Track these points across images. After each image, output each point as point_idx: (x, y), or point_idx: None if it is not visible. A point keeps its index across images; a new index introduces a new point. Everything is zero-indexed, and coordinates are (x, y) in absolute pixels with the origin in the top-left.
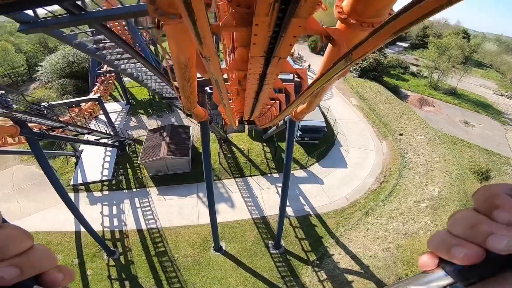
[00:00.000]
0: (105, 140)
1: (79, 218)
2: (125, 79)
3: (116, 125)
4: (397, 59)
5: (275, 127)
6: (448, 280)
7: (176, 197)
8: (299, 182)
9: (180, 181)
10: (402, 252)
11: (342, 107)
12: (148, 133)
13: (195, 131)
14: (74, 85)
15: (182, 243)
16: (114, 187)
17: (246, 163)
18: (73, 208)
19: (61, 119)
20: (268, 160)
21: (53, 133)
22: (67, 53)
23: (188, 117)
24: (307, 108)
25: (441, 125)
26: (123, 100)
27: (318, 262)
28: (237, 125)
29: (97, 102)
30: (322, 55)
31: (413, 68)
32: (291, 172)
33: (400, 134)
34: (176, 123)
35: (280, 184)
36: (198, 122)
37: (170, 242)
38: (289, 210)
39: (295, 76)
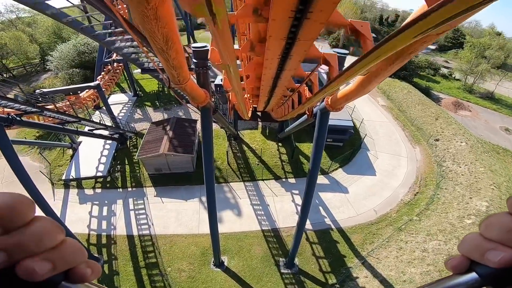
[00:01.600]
0: (102, 132)
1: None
2: (135, 70)
3: (120, 117)
4: (427, 60)
5: (294, 123)
6: (480, 283)
7: (176, 200)
8: (320, 190)
9: (181, 181)
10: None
11: (368, 107)
12: (151, 126)
13: None
14: (83, 75)
15: (177, 255)
16: (108, 185)
17: (257, 165)
18: (44, 206)
19: (47, 106)
20: (283, 163)
21: (28, 120)
22: (78, 42)
23: (182, 101)
24: (357, 91)
25: (480, 132)
26: (131, 92)
27: (338, 286)
28: (249, 116)
29: (95, 90)
30: None
31: (444, 70)
32: None
33: (436, 140)
34: (184, 117)
35: (296, 191)
36: (197, 107)
37: (163, 253)
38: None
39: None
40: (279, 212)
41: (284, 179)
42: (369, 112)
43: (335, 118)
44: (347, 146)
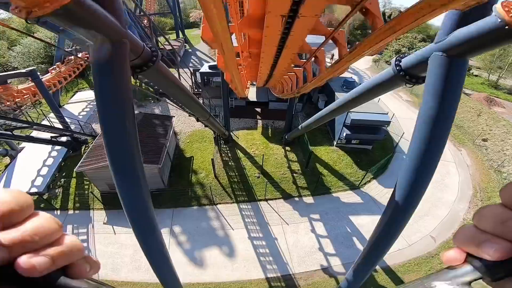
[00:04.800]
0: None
1: None
2: None
3: (81, 116)
4: None
5: (306, 122)
6: (476, 275)
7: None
8: (351, 212)
9: None
10: None
11: (393, 103)
12: None
13: (184, 125)
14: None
15: None
16: (42, 205)
17: (258, 177)
18: None
19: None
20: (294, 174)
21: None
22: (45, 35)
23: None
24: None
25: None
26: None
27: None
28: (246, 94)
29: (30, 79)
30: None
31: None
32: (335, 195)
33: (484, 140)
34: (154, 113)
35: (317, 216)
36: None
37: None
38: (333, 260)
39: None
40: (293, 249)
41: (297, 198)
42: (395, 108)
43: (363, 111)
44: (376, 150)
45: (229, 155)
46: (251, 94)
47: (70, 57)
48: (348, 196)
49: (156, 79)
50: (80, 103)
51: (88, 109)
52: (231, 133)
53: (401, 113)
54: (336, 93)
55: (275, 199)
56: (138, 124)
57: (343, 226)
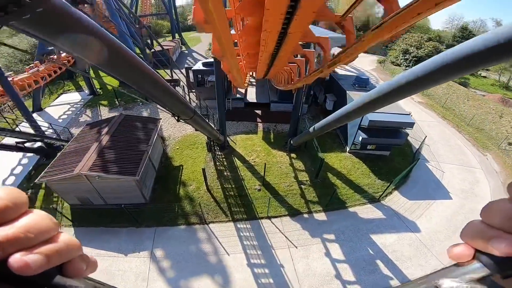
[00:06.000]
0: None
1: None
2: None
3: (61, 120)
4: None
5: (319, 123)
6: (484, 271)
7: (108, 253)
8: (371, 230)
9: (121, 220)
10: None
11: (405, 105)
12: (83, 129)
13: (173, 130)
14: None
15: None
16: None
17: (259, 190)
18: None
19: None
20: (302, 186)
21: None
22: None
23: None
24: None
25: None
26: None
27: None
28: (246, 85)
29: None
30: None
31: None
32: (351, 210)
33: (511, 144)
34: (137, 115)
35: (331, 236)
36: None
37: None
38: None
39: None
40: (304, 278)
41: (306, 215)
42: (409, 110)
43: (382, 111)
44: (395, 157)
45: (225, 163)
46: (251, 95)
47: (52, 56)
48: (367, 211)
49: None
50: (63, 105)
51: (70, 112)
52: (227, 138)
53: (416, 116)
54: (348, 91)
55: (280, 216)
56: (118, 128)
57: (364, 248)
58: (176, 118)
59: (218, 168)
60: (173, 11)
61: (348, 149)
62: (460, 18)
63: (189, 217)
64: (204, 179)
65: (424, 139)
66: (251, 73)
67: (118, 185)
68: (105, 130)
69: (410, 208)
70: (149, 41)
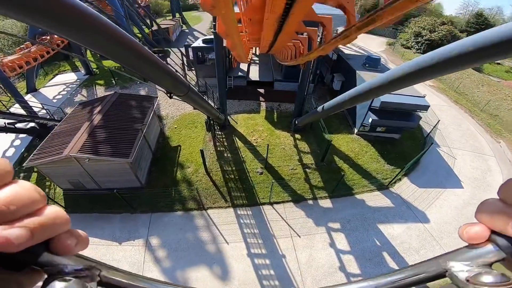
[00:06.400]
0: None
1: None
2: None
3: (55, 101)
4: None
5: (328, 103)
6: (500, 255)
7: (101, 241)
8: (379, 219)
9: (115, 206)
10: None
11: (417, 87)
12: (75, 109)
13: (171, 108)
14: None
15: None
16: None
17: (260, 174)
18: None
19: None
20: (307, 170)
21: None
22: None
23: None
24: None
25: None
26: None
27: None
28: (249, 60)
29: None
30: None
31: None
32: (358, 197)
33: None
34: (132, 93)
35: (337, 225)
36: None
37: None
38: None
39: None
40: (306, 270)
41: (310, 201)
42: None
43: (396, 93)
44: (404, 140)
45: (225, 144)
46: (253, 73)
47: (44, 37)
48: (375, 199)
49: None
50: (58, 86)
51: (65, 92)
52: (228, 117)
53: (431, 100)
54: (357, 71)
55: (283, 202)
56: (112, 107)
57: (371, 238)
58: (169, 95)
59: (218, 149)
60: None
61: (356, 130)
62: (475, 4)
63: (186, 203)
64: (203, 161)
65: (437, 123)
66: (253, 51)
67: (110, 168)
68: (98, 109)
69: (420, 196)
70: (148, 21)
